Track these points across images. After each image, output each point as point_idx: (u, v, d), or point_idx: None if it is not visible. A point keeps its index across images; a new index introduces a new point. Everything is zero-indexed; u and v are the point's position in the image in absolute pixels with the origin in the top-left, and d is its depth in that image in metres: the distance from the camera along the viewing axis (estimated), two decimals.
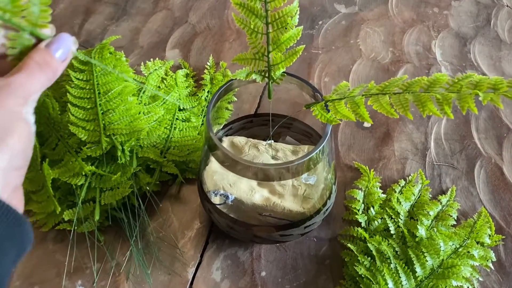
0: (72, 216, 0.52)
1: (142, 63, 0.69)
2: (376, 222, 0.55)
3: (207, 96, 0.68)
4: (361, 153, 0.64)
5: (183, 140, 0.61)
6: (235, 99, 0.68)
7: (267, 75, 0.46)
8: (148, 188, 0.56)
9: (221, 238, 0.56)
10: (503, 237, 0.54)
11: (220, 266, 0.53)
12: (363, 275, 0.49)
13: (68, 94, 0.52)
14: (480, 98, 0.35)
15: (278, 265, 0.54)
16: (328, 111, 0.43)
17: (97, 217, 0.51)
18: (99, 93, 0.53)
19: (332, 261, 0.54)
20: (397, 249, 0.52)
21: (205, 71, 0.70)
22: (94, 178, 0.54)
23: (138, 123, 0.56)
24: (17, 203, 0.27)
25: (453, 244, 0.51)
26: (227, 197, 0.49)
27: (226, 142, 0.55)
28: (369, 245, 0.52)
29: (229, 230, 0.51)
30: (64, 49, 0.31)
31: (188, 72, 0.72)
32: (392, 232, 0.54)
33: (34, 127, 0.29)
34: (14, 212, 0.26)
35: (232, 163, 0.44)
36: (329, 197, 0.52)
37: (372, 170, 0.59)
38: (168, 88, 0.65)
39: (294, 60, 0.45)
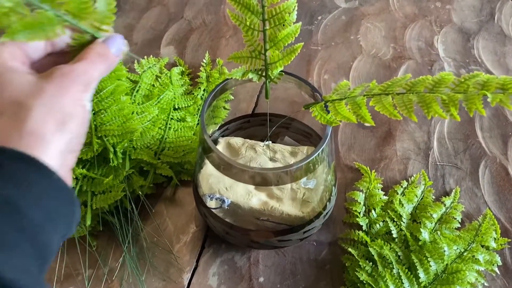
0: None
1: (136, 61, 0.67)
2: (377, 225, 0.53)
3: (203, 94, 0.66)
4: (362, 153, 0.62)
5: (178, 140, 0.59)
6: (232, 97, 0.66)
7: (264, 74, 0.44)
8: (141, 191, 0.54)
9: (217, 242, 0.54)
10: (509, 240, 0.52)
11: (216, 272, 0.52)
12: (364, 281, 0.48)
13: None
14: (489, 100, 0.33)
15: (276, 270, 0.52)
16: (328, 112, 0.41)
17: (88, 222, 0.50)
18: None
19: (332, 266, 0.52)
20: (399, 253, 0.50)
21: (201, 68, 0.68)
22: (85, 181, 0.52)
23: (131, 123, 0.54)
24: (69, 184, 0.29)
25: (457, 248, 0.49)
26: (223, 201, 0.47)
27: (222, 143, 0.53)
28: (370, 249, 0.50)
29: (225, 235, 0.49)
30: (118, 46, 0.34)
31: (183, 69, 0.70)
32: (394, 235, 0.52)
33: (90, 114, 0.31)
34: (70, 192, 0.28)
35: (227, 167, 0.42)
36: (329, 200, 0.50)
37: (373, 171, 0.57)
38: (163, 87, 0.63)
39: (292, 58, 0.43)
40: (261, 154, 0.51)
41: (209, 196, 0.48)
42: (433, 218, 0.53)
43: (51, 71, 0.30)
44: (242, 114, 0.58)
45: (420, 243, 0.50)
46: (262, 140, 0.53)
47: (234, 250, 0.53)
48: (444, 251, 0.48)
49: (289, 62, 0.42)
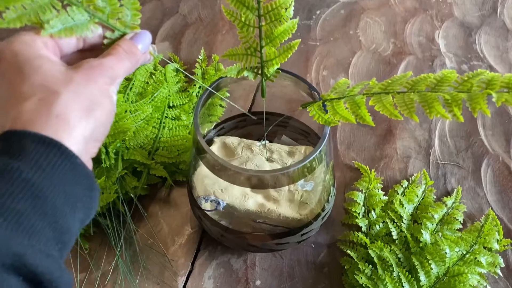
0: None
1: None
2: (377, 226, 0.52)
3: (198, 92, 0.64)
4: (362, 152, 0.61)
5: (173, 140, 0.57)
6: (228, 95, 0.64)
7: (260, 72, 0.42)
8: (135, 192, 0.53)
9: (213, 244, 0.52)
10: None
11: (212, 275, 0.50)
12: (363, 284, 0.47)
13: None
14: (494, 99, 0.32)
15: (273, 273, 0.50)
16: (326, 111, 0.40)
17: None
18: None
19: (330, 269, 0.51)
20: (400, 255, 0.49)
21: (197, 65, 0.67)
22: None
23: (123, 123, 0.52)
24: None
25: (459, 250, 0.48)
26: (218, 203, 0.46)
27: (217, 143, 0.51)
28: (370, 251, 0.49)
29: (220, 238, 0.48)
30: (145, 43, 0.35)
31: (178, 66, 0.68)
32: (394, 237, 0.50)
33: (115, 107, 0.32)
34: (91, 177, 0.29)
35: (222, 169, 0.41)
36: (327, 201, 0.49)
37: (373, 170, 0.56)
38: (157, 84, 0.62)
39: (289, 55, 0.41)
40: (258, 154, 0.50)
41: (204, 198, 0.46)
42: (434, 219, 0.52)
43: (80, 63, 0.31)
44: (239, 113, 0.56)
45: (421, 244, 0.49)
46: (259, 139, 0.51)
47: (230, 253, 0.52)
48: (446, 253, 0.47)
49: (286, 60, 0.41)
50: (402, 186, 0.56)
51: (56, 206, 0.26)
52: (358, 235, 0.51)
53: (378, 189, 0.55)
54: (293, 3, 0.38)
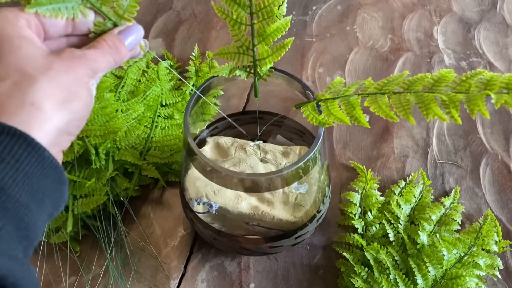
0: None
1: None
2: (374, 227, 0.51)
3: (191, 90, 0.63)
4: (358, 151, 0.60)
5: (165, 139, 0.56)
6: (222, 93, 0.63)
7: (252, 71, 0.41)
8: (126, 194, 0.52)
9: (206, 247, 0.51)
10: (511, 242, 0.50)
11: (205, 278, 0.49)
12: None
13: None
14: (493, 101, 0.31)
15: (268, 276, 0.50)
16: (320, 112, 0.38)
17: (69, 228, 0.47)
18: None
19: (326, 271, 0.50)
20: (396, 258, 0.48)
21: (190, 62, 0.65)
22: None
23: (114, 122, 0.51)
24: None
25: (457, 252, 0.47)
26: (210, 205, 0.45)
27: (210, 143, 0.50)
28: (366, 253, 0.48)
29: (213, 241, 0.47)
30: (134, 39, 0.34)
31: (171, 63, 0.67)
32: (391, 238, 0.49)
33: (94, 101, 0.31)
34: (60, 170, 0.28)
35: (213, 172, 0.39)
36: (322, 202, 0.48)
37: (369, 170, 0.55)
38: (150, 82, 0.60)
39: (282, 54, 0.40)
40: (252, 155, 0.49)
41: (196, 201, 0.45)
42: (432, 220, 0.51)
43: (62, 51, 0.30)
44: (232, 112, 0.55)
45: (418, 246, 0.48)
46: (254, 139, 0.50)
47: (224, 255, 0.51)
48: (443, 255, 0.46)
49: (279, 58, 0.40)
50: (399, 186, 0.55)
51: (20, 202, 0.25)
52: (354, 237, 0.50)
53: (375, 190, 0.54)
54: (286, 0, 0.37)
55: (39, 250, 0.48)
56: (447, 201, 0.53)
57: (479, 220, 0.51)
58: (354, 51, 0.71)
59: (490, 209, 0.54)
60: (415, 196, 0.54)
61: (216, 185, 0.45)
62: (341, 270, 0.49)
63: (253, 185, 0.40)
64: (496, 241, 0.49)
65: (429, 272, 0.45)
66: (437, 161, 0.59)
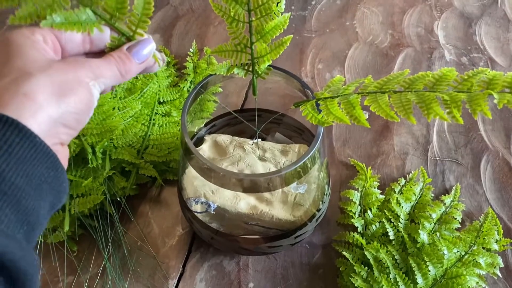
0: None
1: None
2: (373, 226, 0.51)
3: (189, 87, 0.62)
4: (358, 148, 0.59)
5: (163, 137, 0.56)
6: (221, 90, 0.62)
7: (251, 69, 0.41)
8: (123, 193, 0.51)
9: (205, 246, 0.51)
10: None
11: (204, 277, 0.49)
12: (359, 287, 0.45)
13: None
14: (495, 101, 0.30)
15: (267, 275, 0.49)
16: (320, 111, 0.38)
17: (66, 228, 0.47)
18: None
19: (326, 270, 0.50)
20: (396, 257, 0.47)
21: (188, 58, 0.65)
22: None
23: (111, 121, 0.51)
24: (60, 159, 0.29)
25: (457, 251, 0.47)
26: (209, 205, 0.44)
27: (208, 142, 0.50)
28: (366, 252, 0.47)
29: (211, 241, 0.47)
30: (144, 52, 0.35)
31: (169, 60, 0.66)
32: (391, 237, 0.49)
33: (96, 101, 0.32)
34: (53, 157, 0.28)
35: (210, 172, 0.39)
36: (322, 200, 0.47)
37: (369, 167, 0.54)
38: (147, 79, 0.60)
39: (280, 52, 0.39)
40: (250, 153, 0.48)
41: (194, 200, 0.45)
42: (432, 218, 0.50)
43: (68, 58, 0.31)
44: (231, 109, 0.54)
45: (418, 245, 0.48)
46: (252, 137, 0.49)
47: (223, 254, 0.50)
48: (444, 254, 0.45)
49: (278, 56, 0.39)
50: (399, 184, 0.54)
51: (16, 185, 0.25)
52: (354, 236, 0.50)
53: (375, 188, 0.53)
54: None
55: (36, 250, 0.48)
56: (447, 199, 0.53)
57: (479, 218, 0.50)
58: (353, 47, 0.71)
59: (491, 207, 0.54)
60: (415, 194, 0.53)
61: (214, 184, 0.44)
62: (340, 269, 0.49)
63: (251, 185, 0.40)
64: (497, 240, 0.49)
65: (429, 271, 0.45)
66: (437, 158, 0.58)
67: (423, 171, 0.55)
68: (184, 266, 0.50)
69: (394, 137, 0.60)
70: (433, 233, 0.49)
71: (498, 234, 0.49)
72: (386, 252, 0.47)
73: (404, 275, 0.45)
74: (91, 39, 0.33)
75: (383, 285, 0.44)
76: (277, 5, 0.37)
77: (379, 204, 0.52)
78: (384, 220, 0.50)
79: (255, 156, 0.48)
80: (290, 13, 0.38)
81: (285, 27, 0.38)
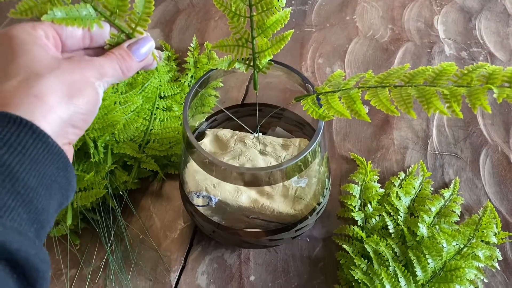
0: None
1: None
2: (373, 219, 0.51)
3: (190, 81, 0.62)
4: (358, 142, 0.60)
5: (164, 132, 0.56)
6: (221, 84, 0.62)
7: (252, 63, 0.41)
8: (125, 187, 0.51)
9: (206, 239, 0.51)
10: (510, 234, 0.50)
11: (205, 270, 0.50)
12: (359, 280, 0.46)
13: None
14: (495, 95, 0.30)
15: (268, 268, 0.50)
16: (320, 105, 0.38)
17: (69, 222, 0.47)
18: None
19: (326, 263, 0.50)
20: (396, 250, 0.48)
21: (188, 53, 0.65)
22: None
23: (113, 115, 0.51)
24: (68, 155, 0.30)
25: (456, 244, 0.47)
26: (210, 198, 0.45)
27: (209, 136, 0.50)
28: (366, 245, 0.48)
29: (213, 234, 0.47)
30: (144, 50, 0.35)
31: (169, 54, 0.66)
32: (390, 230, 0.50)
33: (101, 100, 0.32)
34: (64, 157, 0.29)
35: (212, 165, 0.39)
36: (322, 194, 0.48)
37: (369, 161, 0.55)
38: (148, 74, 0.60)
39: (281, 46, 0.40)
40: (251, 147, 0.48)
41: (196, 194, 0.45)
42: (432, 211, 0.51)
43: (71, 56, 0.32)
44: (231, 104, 0.54)
45: (417, 238, 0.48)
46: (253, 131, 0.50)
47: (224, 248, 0.51)
48: (443, 247, 0.46)
49: (279, 51, 0.39)
50: (399, 178, 0.55)
51: (29, 185, 0.26)
52: (354, 229, 0.50)
53: (375, 181, 0.54)
54: None
55: None
56: (446, 193, 0.53)
57: (478, 211, 0.51)
58: (354, 41, 0.71)
59: (490, 200, 0.54)
60: (414, 188, 0.54)
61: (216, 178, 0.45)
62: (341, 262, 0.49)
63: (252, 179, 0.40)
64: (495, 233, 0.49)
65: (428, 264, 0.45)
66: (437, 152, 0.59)
67: (423, 165, 0.55)
68: (185, 259, 0.50)
69: (394, 131, 0.60)
70: (432, 227, 0.50)
71: (496, 227, 0.50)
72: (385, 245, 0.48)
73: (403, 268, 0.46)
74: (91, 35, 0.33)
75: (382, 278, 0.45)
76: (278, 0, 0.37)
77: (379, 197, 0.53)
78: (384, 213, 0.51)
79: (256, 150, 0.48)
80: (290, 7, 0.38)
81: (286, 22, 0.38)
